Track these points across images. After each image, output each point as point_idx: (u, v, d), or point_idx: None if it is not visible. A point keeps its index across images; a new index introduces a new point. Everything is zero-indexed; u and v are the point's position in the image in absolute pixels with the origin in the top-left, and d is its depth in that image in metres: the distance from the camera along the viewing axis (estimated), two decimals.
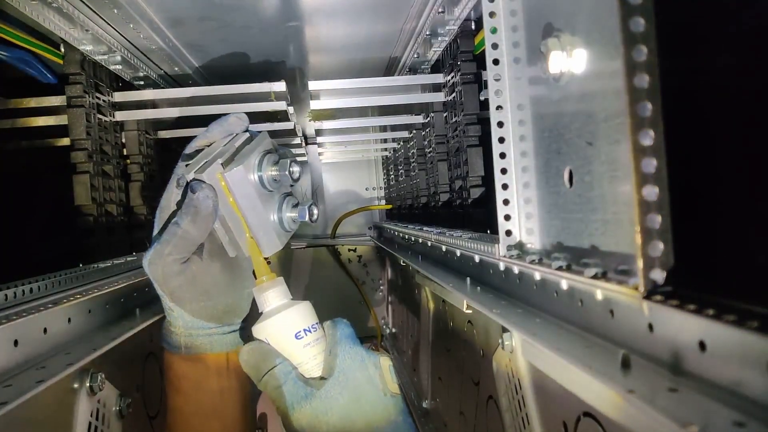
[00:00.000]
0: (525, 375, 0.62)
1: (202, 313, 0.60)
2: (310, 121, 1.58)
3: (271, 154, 0.61)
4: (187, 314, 0.59)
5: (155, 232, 0.61)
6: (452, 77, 1.24)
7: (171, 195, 0.60)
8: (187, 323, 0.60)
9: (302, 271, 2.47)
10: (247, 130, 0.63)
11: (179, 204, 0.59)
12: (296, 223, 0.63)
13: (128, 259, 1.00)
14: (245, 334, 0.65)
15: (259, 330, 0.59)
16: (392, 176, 2.31)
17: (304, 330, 0.58)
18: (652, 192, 0.40)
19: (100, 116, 1.15)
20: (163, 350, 0.65)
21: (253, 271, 0.61)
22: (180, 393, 0.62)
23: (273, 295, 0.59)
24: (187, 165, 0.61)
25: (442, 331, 1.15)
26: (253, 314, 0.63)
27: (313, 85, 1.29)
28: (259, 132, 0.65)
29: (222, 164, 0.58)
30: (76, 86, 1.08)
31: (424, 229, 1.28)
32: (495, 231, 0.65)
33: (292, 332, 0.57)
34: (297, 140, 1.89)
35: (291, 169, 0.61)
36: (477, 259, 0.77)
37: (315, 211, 0.63)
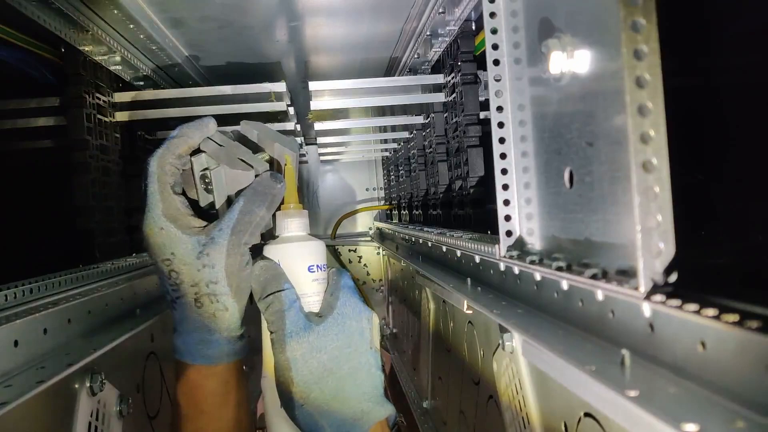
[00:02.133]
0: (525, 375, 0.62)
1: (242, 310, 0.59)
2: (310, 121, 1.58)
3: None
4: (237, 312, 0.58)
5: (185, 238, 0.56)
6: (452, 78, 1.24)
7: (177, 205, 0.57)
8: (231, 325, 0.58)
9: None
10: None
11: (237, 195, 0.58)
12: None
13: (128, 260, 1.00)
14: (236, 348, 0.62)
15: (274, 250, 0.59)
16: (392, 176, 2.31)
17: (317, 266, 0.59)
18: (652, 192, 0.40)
19: (100, 116, 1.15)
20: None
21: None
22: (204, 412, 0.59)
23: (296, 223, 0.60)
24: (206, 163, 0.60)
25: (442, 332, 1.15)
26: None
27: (313, 85, 1.29)
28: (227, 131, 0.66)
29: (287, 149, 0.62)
30: (76, 87, 1.08)
31: (425, 229, 1.28)
32: (495, 231, 0.65)
33: (306, 263, 0.59)
34: (297, 140, 1.89)
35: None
36: (477, 259, 0.77)
37: None
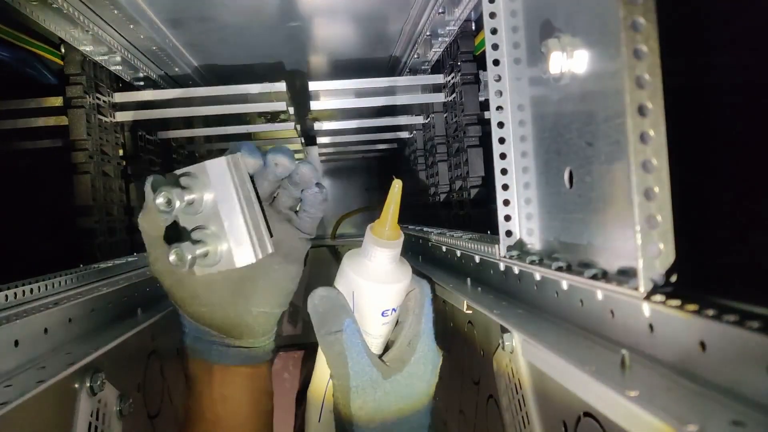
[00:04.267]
0: (525, 375, 0.62)
1: (199, 318, 0.56)
2: (310, 121, 1.58)
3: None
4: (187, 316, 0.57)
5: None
6: (452, 78, 1.24)
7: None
8: (190, 323, 0.58)
9: (303, 271, 2.47)
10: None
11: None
12: None
13: (129, 259, 1.00)
14: (259, 353, 0.59)
15: (353, 279, 0.51)
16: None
17: (392, 309, 0.52)
18: (652, 192, 0.40)
19: (100, 117, 1.15)
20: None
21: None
22: (192, 395, 0.60)
23: (389, 255, 0.51)
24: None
25: (441, 331, 1.15)
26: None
27: (313, 85, 1.29)
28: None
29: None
30: (77, 87, 1.08)
31: (424, 229, 1.28)
32: (495, 231, 0.65)
33: (381, 307, 0.51)
34: (297, 141, 1.89)
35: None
36: (477, 259, 0.77)
37: None
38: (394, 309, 0.52)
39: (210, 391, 0.58)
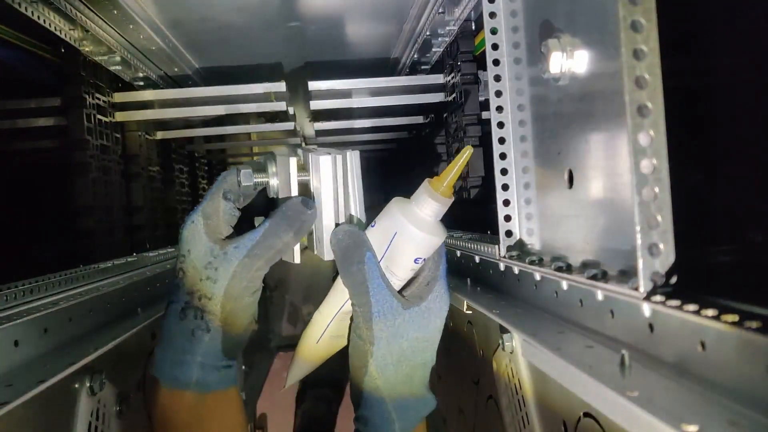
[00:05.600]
0: (525, 375, 0.62)
1: (233, 341, 0.55)
2: (310, 121, 1.58)
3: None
4: (220, 340, 0.53)
5: (204, 241, 0.54)
6: (452, 78, 1.24)
7: (219, 206, 0.55)
8: (209, 351, 0.54)
9: (303, 272, 2.47)
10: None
11: (269, 215, 0.55)
12: None
13: (128, 259, 1.00)
14: (235, 372, 0.58)
15: (397, 223, 0.54)
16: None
17: (423, 259, 0.55)
18: (651, 192, 0.40)
19: (100, 117, 1.15)
20: None
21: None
22: (177, 429, 0.55)
23: (436, 209, 0.53)
24: (252, 171, 0.57)
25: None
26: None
27: (313, 85, 1.29)
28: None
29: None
30: (76, 87, 1.08)
31: None
32: (495, 231, 0.65)
33: (417, 254, 0.54)
34: (297, 141, 1.89)
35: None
36: (477, 259, 0.77)
37: None
38: (424, 259, 0.55)
39: (168, 413, 0.55)
